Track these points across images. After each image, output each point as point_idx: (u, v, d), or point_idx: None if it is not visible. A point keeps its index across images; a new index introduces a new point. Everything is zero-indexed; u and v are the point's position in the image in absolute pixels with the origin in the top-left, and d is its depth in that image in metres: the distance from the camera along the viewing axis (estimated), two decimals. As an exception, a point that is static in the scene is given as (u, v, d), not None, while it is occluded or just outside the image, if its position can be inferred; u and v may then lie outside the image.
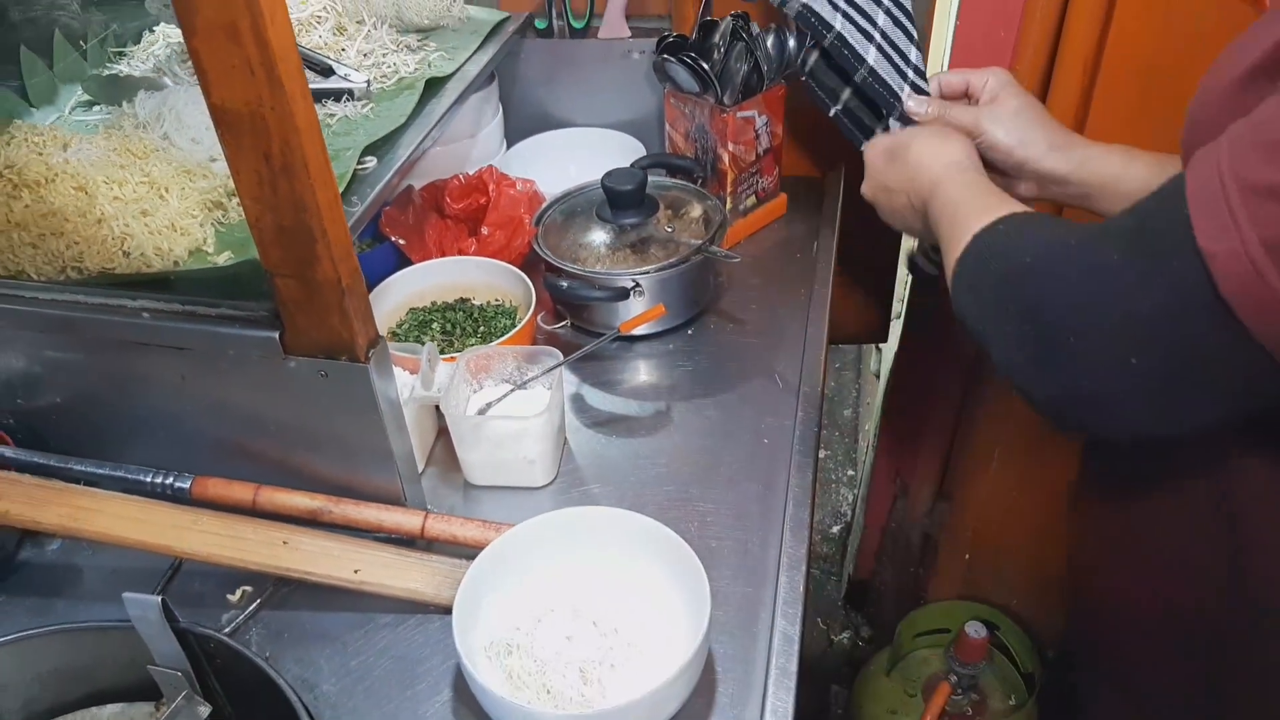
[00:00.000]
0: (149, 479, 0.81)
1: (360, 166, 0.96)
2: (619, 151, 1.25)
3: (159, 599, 0.70)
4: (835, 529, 1.92)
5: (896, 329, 1.46)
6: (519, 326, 0.97)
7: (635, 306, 1.00)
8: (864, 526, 1.63)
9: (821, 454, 2.01)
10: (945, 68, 1.18)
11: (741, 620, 0.74)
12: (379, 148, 0.98)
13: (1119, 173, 0.80)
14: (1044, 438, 1.31)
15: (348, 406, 0.78)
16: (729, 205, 1.16)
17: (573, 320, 1.07)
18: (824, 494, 1.97)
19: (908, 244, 1.37)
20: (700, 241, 1.02)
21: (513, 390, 0.90)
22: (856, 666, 1.55)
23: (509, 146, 1.29)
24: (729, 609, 0.75)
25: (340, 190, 0.92)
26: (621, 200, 1.05)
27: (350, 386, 0.76)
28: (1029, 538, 1.42)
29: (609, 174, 1.06)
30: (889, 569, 1.61)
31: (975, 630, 1.25)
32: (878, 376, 1.73)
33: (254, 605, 0.79)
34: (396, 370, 0.89)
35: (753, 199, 1.20)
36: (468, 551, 0.76)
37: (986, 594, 1.49)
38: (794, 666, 0.70)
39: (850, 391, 2.14)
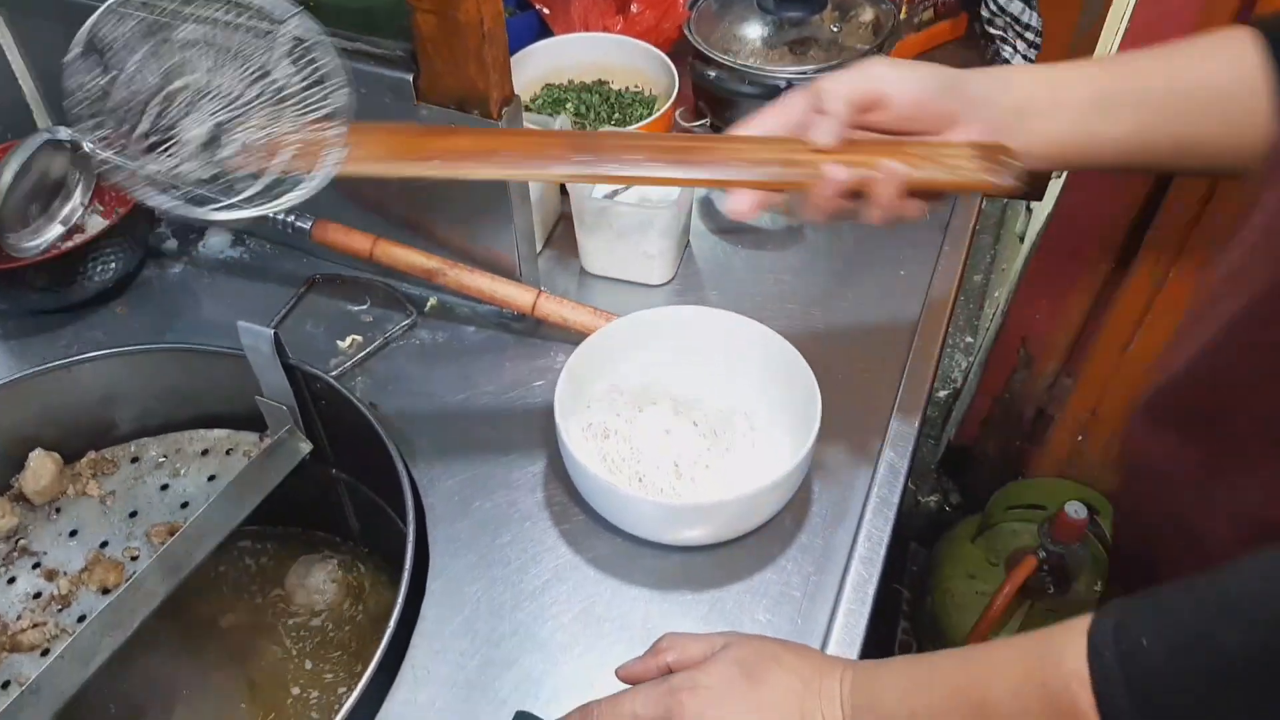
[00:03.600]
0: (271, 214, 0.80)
1: (513, -83, 0.90)
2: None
3: (272, 331, 0.71)
4: (942, 393, 1.85)
5: (1055, 189, 1.35)
6: (655, 115, 0.91)
7: (784, 111, 0.93)
8: (975, 393, 1.57)
9: (940, 316, 1.92)
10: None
11: (847, 446, 0.71)
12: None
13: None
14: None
15: (474, 167, 0.75)
16: (903, 14, 1.05)
17: (713, 120, 1.00)
18: (936, 356, 1.89)
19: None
20: (867, 47, 0.93)
21: (643, 179, 0.85)
22: (939, 530, 1.53)
23: (671, -76, 1.18)
24: (835, 432, 0.71)
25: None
26: (787, -9, 0.95)
27: (479, 145, 0.72)
28: (1153, 429, 1.34)
29: (777, -42, 0.97)
30: (993, 439, 1.55)
31: (1076, 510, 1.20)
32: (1021, 239, 1.61)
33: (363, 354, 0.79)
34: (526, 141, 0.85)
35: (930, 13, 1.08)
36: (576, 337, 0.74)
37: (1091, 478, 1.43)
38: (896, 498, 0.67)
39: (985, 256, 2.01)
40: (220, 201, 0.62)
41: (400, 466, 0.68)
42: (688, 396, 0.72)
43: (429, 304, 0.83)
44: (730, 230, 0.90)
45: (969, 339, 1.91)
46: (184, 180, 0.61)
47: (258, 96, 0.61)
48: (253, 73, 0.61)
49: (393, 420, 0.74)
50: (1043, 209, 1.40)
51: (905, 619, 1.48)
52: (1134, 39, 1.10)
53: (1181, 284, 1.18)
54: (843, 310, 0.82)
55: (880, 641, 1.51)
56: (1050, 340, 1.38)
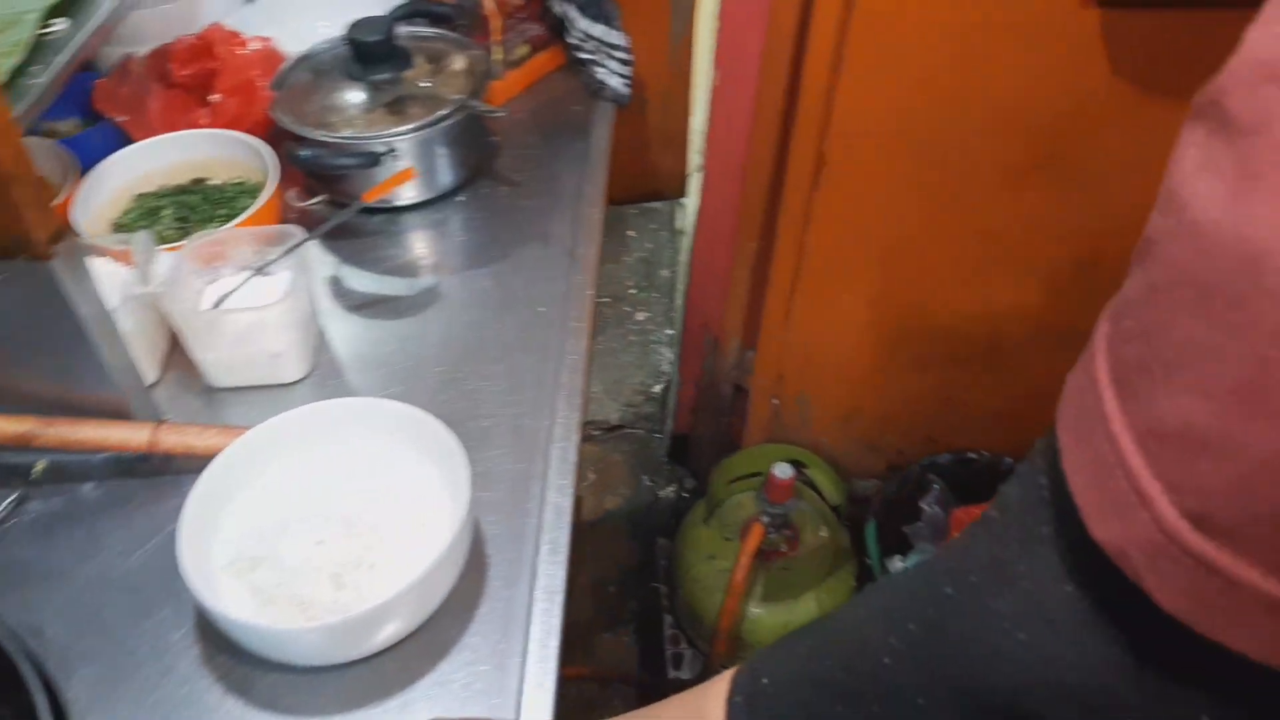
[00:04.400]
0: None
1: (46, 31, 0.82)
2: (376, 2, 1.13)
3: None
4: (657, 388, 1.92)
5: (697, 182, 1.43)
6: (258, 204, 0.87)
7: (393, 173, 0.91)
8: (680, 383, 1.64)
9: (641, 316, 1.99)
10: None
11: (513, 498, 0.71)
12: (73, 7, 0.83)
13: None
14: (835, 279, 1.32)
15: (42, 313, 0.67)
16: (500, 55, 1.07)
17: (330, 195, 0.97)
18: (644, 354, 1.95)
19: (703, 100, 1.32)
20: (464, 96, 0.94)
21: (251, 276, 0.81)
22: (681, 518, 1.58)
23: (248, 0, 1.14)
24: (500, 488, 0.71)
25: (18, 61, 0.79)
26: (368, 54, 0.94)
27: (38, 290, 0.65)
28: (830, 378, 1.45)
29: (354, 24, 0.95)
30: (705, 422, 1.63)
31: (781, 470, 1.28)
32: (681, 233, 1.70)
33: (-36, 547, 0.69)
34: (111, 266, 0.78)
35: (527, 48, 1.10)
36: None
37: (794, 436, 1.53)
38: (565, 539, 0.68)
39: (667, 251, 2.10)
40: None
41: (27, 669, 0.60)
42: (336, 497, 0.68)
43: (35, 470, 0.74)
44: (364, 305, 0.88)
45: (669, 331, 2.00)
46: None
47: None
48: None
49: (14, 614, 0.65)
50: (691, 202, 1.48)
51: (668, 613, 1.53)
52: (727, 40, 1.19)
53: (821, 246, 1.29)
54: (490, 360, 0.82)
55: (649, 644, 1.54)
56: (727, 321, 1.47)
